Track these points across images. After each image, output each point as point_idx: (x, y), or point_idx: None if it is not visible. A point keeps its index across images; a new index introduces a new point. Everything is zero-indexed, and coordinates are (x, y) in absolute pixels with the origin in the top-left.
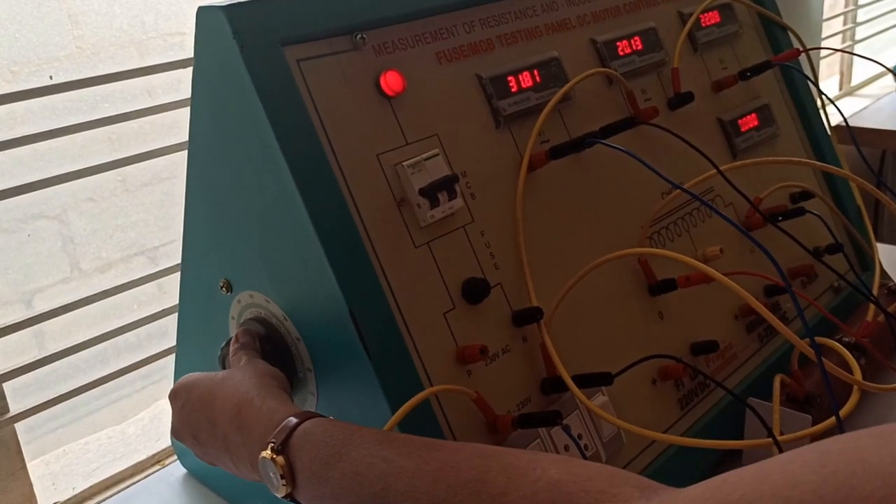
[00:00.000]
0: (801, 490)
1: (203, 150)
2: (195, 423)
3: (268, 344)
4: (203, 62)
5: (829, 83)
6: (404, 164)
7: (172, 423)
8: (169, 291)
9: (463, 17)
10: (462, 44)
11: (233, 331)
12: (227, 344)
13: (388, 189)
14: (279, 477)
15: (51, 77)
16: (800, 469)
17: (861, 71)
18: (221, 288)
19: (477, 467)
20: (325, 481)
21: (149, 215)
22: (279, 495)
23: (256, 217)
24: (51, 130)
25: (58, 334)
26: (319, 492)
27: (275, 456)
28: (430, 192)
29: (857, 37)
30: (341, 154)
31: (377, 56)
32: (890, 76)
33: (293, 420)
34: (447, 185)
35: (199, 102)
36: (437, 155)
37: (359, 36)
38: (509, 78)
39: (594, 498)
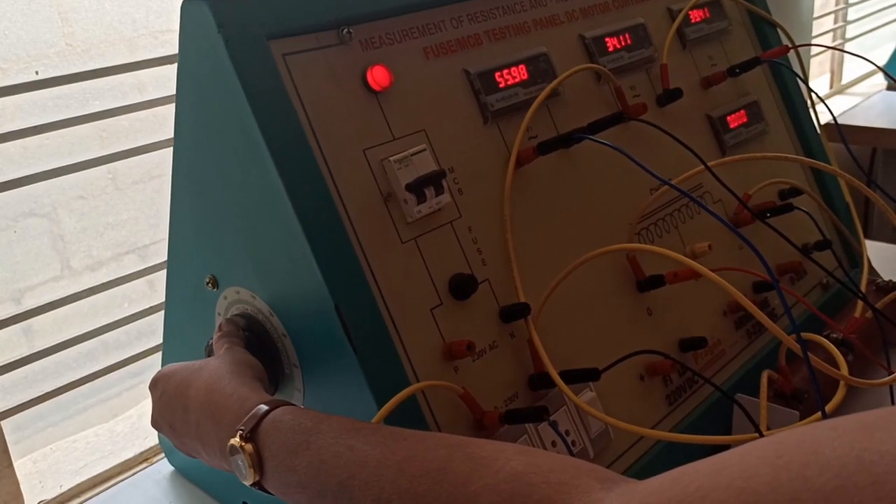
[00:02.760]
0: (755, 482)
1: (188, 145)
2: (171, 411)
3: (254, 339)
4: (188, 57)
5: (819, 81)
6: (391, 159)
7: (152, 412)
8: (159, 289)
9: (450, 12)
10: (449, 39)
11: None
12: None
13: (374, 184)
14: (247, 465)
15: (37, 73)
16: (755, 461)
17: (852, 69)
18: (207, 284)
19: (441, 457)
20: (291, 469)
21: (139, 213)
22: (247, 483)
23: (242, 212)
24: (39, 126)
25: (48, 333)
26: (286, 480)
27: (243, 443)
28: (417, 188)
29: (848, 35)
30: (327, 149)
31: (364, 51)
32: (880, 74)
33: (263, 408)
34: (434, 180)
35: (185, 97)
36: (424, 150)
37: (345, 30)
38: (497, 73)
39: (555, 489)
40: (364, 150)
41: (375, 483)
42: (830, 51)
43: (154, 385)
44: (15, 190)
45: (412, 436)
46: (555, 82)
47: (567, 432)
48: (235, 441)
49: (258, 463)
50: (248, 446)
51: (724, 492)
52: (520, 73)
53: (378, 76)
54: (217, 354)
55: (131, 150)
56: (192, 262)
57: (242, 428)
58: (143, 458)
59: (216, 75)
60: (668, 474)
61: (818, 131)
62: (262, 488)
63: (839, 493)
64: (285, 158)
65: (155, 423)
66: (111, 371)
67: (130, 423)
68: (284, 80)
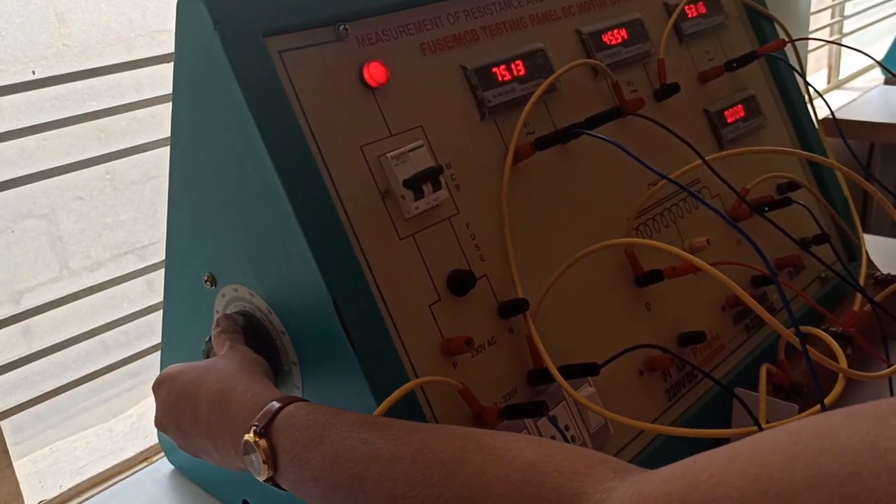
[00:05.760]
0: (770, 468)
1: (185, 143)
2: (178, 412)
3: (252, 337)
4: (184, 54)
5: (817, 77)
6: (388, 155)
7: (156, 413)
8: (158, 289)
9: (447, 7)
10: (446, 35)
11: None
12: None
13: (371, 181)
14: (261, 461)
15: (34, 72)
16: (770, 448)
17: (849, 64)
18: (205, 282)
19: (454, 448)
20: (305, 463)
21: (138, 214)
22: (261, 479)
23: (240, 210)
24: (36, 125)
25: (47, 333)
26: (300, 474)
27: (257, 439)
28: (415, 184)
29: (845, 30)
30: (324, 146)
31: (360, 47)
32: (878, 69)
33: (276, 404)
34: (432, 176)
35: (181, 95)
36: (421, 146)
37: (342, 27)
38: (494, 69)
39: (567, 478)
40: (361, 147)
41: (389, 475)
42: (828, 46)
43: (158, 386)
44: (13, 191)
45: (425, 428)
46: (552, 78)
47: (566, 427)
48: (249, 437)
49: (272, 458)
50: (263, 442)
51: (738, 478)
52: (517, 68)
53: (375, 72)
54: (220, 352)
55: (129, 148)
56: (189, 261)
57: (256, 424)
58: (143, 457)
59: (212, 73)
60: (681, 463)
61: (816, 126)
62: (275, 484)
63: (854, 479)
64: (282, 155)
65: (159, 424)
66: (110, 371)
67: (130, 423)
68: (281, 76)
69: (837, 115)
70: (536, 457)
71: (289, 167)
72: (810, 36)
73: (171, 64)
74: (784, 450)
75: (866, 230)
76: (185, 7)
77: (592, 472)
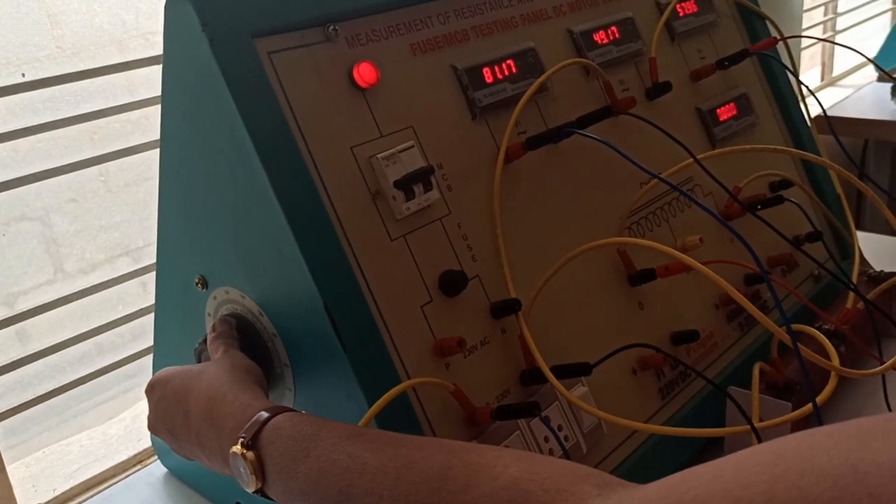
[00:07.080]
0: (752, 491)
1: (175, 145)
2: (170, 417)
3: (244, 339)
4: (172, 56)
5: (810, 74)
6: (379, 156)
7: (148, 417)
8: (152, 291)
9: (437, 7)
10: (436, 35)
11: (209, 328)
12: (204, 341)
13: (362, 182)
14: (249, 472)
15: (23, 75)
16: (753, 469)
17: (842, 61)
18: (197, 285)
19: (440, 464)
20: (292, 476)
21: (132, 215)
22: (249, 490)
23: (230, 212)
24: (29, 127)
25: (41, 336)
26: (287, 487)
27: (245, 451)
28: (406, 185)
29: (838, 27)
30: (314, 147)
31: (350, 48)
32: (871, 66)
33: (264, 415)
34: (423, 177)
35: (170, 97)
36: (412, 147)
37: (331, 27)
38: (485, 69)
39: (552, 496)
40: (351, 148)
41: (374, 490)
42: (821, 43)
43: (151, 390)
44: (7, 193)
45: (411, 442)
46: (543, 77)
47: (559, 427)
48: (237, 449)
49: (260, 470)
50: (250, 454)
51: (720, 500)
52: (508, 68)
53: (365, 73)
54: (213, 357)
55: (123, 150)
56: (180, 263)
57: (244, 435)
58: (137, 460)
59: (201, 74)
60: (667, 480)
61: (808, 123)
62: (264, 495)
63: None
64: (272, 157)
65: (153, 428)
66: (105, 373)
67: (124, 426)
68: (270, 78)
69: (830, 113)
70: (521, 474)
71: (279, 169)
72: (803, 34)
73: (160, 65)
74: (767, 471)
75: (859, 228)
76: (174, 9)
77: (577, 490)
